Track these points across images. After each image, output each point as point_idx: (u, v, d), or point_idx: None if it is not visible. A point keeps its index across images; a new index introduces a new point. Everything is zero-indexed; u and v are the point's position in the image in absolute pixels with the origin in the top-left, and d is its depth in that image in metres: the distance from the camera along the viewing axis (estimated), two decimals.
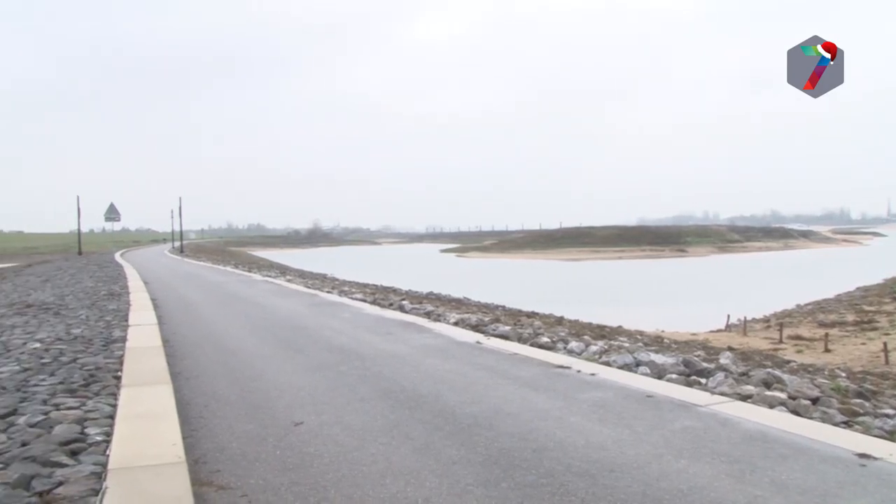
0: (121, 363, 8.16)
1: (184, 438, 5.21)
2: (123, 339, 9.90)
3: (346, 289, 21.91)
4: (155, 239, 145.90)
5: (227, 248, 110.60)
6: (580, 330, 14.37)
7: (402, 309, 15.33)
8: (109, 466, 4.56)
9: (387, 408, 6.42)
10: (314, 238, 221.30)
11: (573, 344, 10.42)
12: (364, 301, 16.89)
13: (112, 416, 5.83)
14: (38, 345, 9.60)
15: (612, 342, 11.53)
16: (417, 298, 19.79)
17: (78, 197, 64.84)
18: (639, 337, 14.29)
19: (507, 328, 11.80)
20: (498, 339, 10.48)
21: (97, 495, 4.10)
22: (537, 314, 19.55)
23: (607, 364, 8.73)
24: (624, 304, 35.15)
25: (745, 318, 26.86)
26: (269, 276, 27.69)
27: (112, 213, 67.02)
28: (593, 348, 10.04)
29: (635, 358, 8.97)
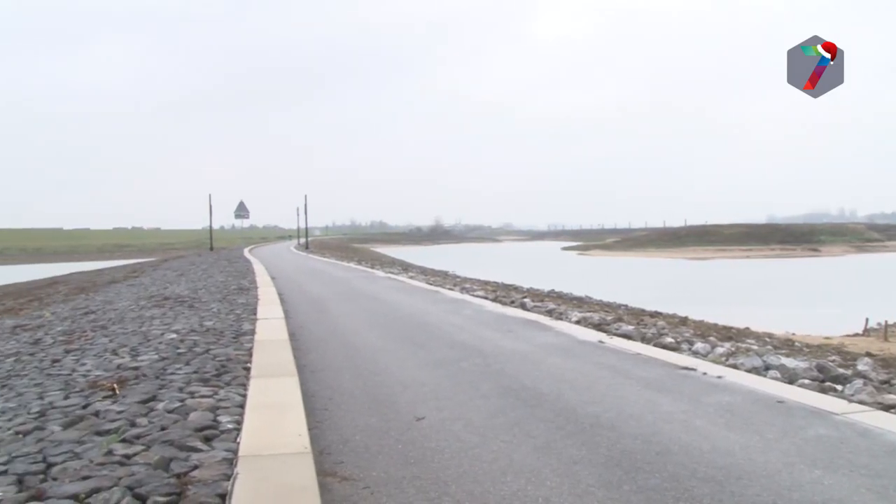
0: (250, 355, 8.44)
1: (309, 429, 5.33)
2: (252, 332, 10.23)
3: (467, 286, 22.00)
4: (281, 236, 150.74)
5: (351, 245, 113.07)
6: (705, 331, 13.95)
7: (523, 307, 15.27)
8: (240, 453, 4.72)
9: (508, 405, 6.41)
10: (436, 235, 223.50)
11: (698, 345, 10.12)
12: (485, 298, 16.92)
13: (242, 406, 6.04)
14: (174, 336, 10.07)
15: (740, 344, 11.13)
16: (539, 296, 19.68)
17: (210, 195, 67.73)
18: (767, 339, 13.75)
19: (630, 328, 11.58)
20: (620, 339, 10.29)
21: (229, 480, 4.25)
22: (661, 314, 19.11)
23: (734, 367, 8.43)
24: (751, 305, 33.90)
25: (885, 322, 25.40)
26: (392, 273, 28.11)
27: (241, 211, 69.46)
28: (719, 350, 9.72)
29: (764, 361, 8.63)
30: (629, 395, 6.71)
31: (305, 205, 74.98)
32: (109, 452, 4.91)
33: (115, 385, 6.94)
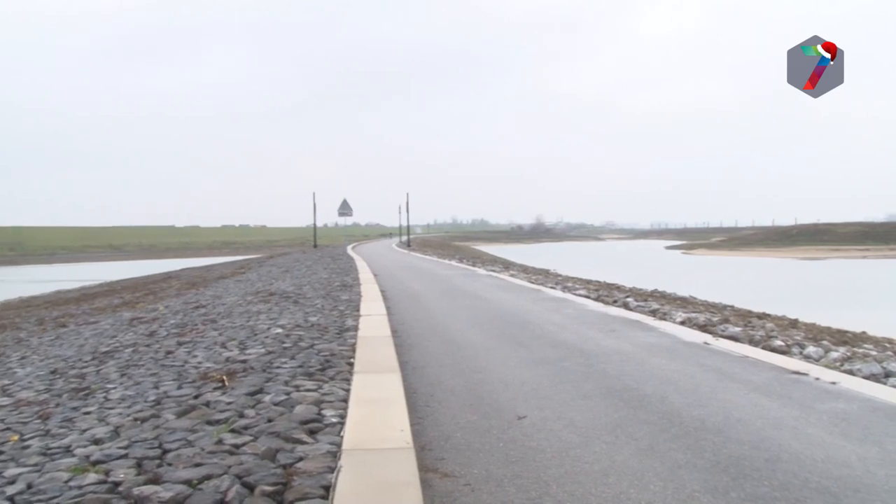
0: (353, 350, 8.59)
1: (411, 425, 5.38)
2: (355, 328, 10.40)
3: (569, 285, 21.79)
4: (383, 233, 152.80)
5: (452, 243, 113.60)
6: (817, 334, 13.39)
7: (626, 306, 15.02)
8: (343, 447, 4.80)
9: (610, 406, 6.31)
10: (537, 233, 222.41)
11: (810, 349, 9.73)
12: (587, 297, 16.72)
13: (345, 400, 6.14)
14: (279, 330, 10.33)
15: (856, 349, 10.63)
16: (642, 295, 19.30)
17: (314, 194, 69.42)
18: (888, 345, 13.11)
19: (738, 329, 11.23)
20: (727, 341, 9.99)
21: (332, 473, 4.33)
22: (769, 315, 18.44)
23: (850, 373, 8.06)
24: (868, 308, 32.41)
25: None
26: (493, 271, 28.09)
27: (345, 209, 70.67)
28: (833, 355, 9.32)
29: (884, 368, 8.23)
30: (736, 399, 6.51)
31: (407, 202, 75.75)
32: (220, 441, 5.09)
33: (225, 377, 7.19)
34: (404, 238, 79.47)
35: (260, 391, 6.55)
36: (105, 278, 52.41)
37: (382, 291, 17.20)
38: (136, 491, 4.24)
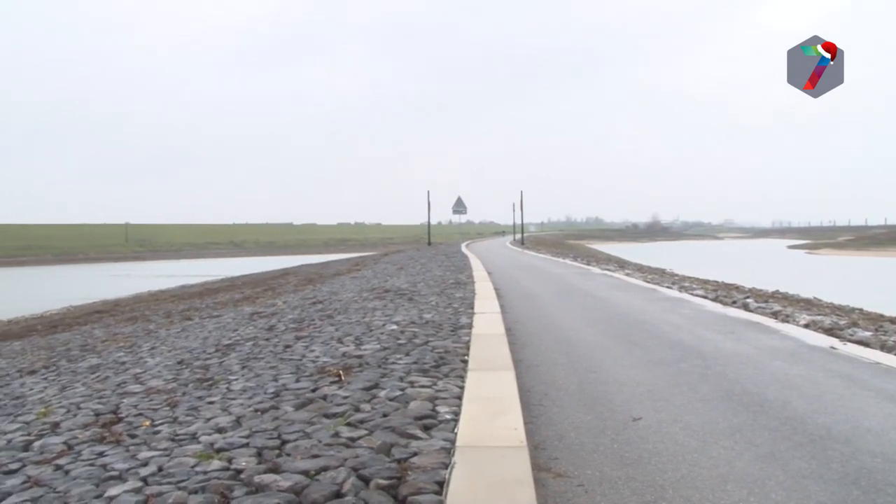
0: (467, 348, 8.62)
1: (524, 424, 5.36)
2: (469, 326, 10.44)
3: (685, 284, 21.28)
4: (496, 231, 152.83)
5: (566, 241, 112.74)
6: None
7: (745, 307, 14.55)
8: (457, 444, 4.83)
9: (729, 410, 6.12)
10: (653, 232, 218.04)
11: None
12: (705, 298, 16.28)
13: (459, 397, 6.18)
14: (394, 327, 10.48)
15: None
16: (763, 297, 18.65)
17: (428, 192, 70.06)
18: None
19: (868, 334, 10.71)
20: (855, 346, 9.52)
21: (446, 469, 4.37)
22: None
23: None
24: None
25: None
26: (608, 270, 27.71)
27: (459, 207, 71.12)
28: None
29: None
30: (866, 408, 6.20)
31: (521, 201, 75.66)
32: (336, 434, 5.21)
33: (341, 371, 7.35)
34: (518, 236, 79.35)
35: (375, 386, 6.67)
36: (226, 274, 54.54)
37: (496, 289, 17.22)
38: (256, 479, 4.40)
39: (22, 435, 6.46)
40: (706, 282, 24.55)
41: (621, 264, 38.05)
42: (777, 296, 20.03)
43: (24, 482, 4.93)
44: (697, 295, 17.03)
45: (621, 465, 4.74)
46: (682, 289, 19.03)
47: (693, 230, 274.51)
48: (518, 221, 79.70)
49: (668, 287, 19.39)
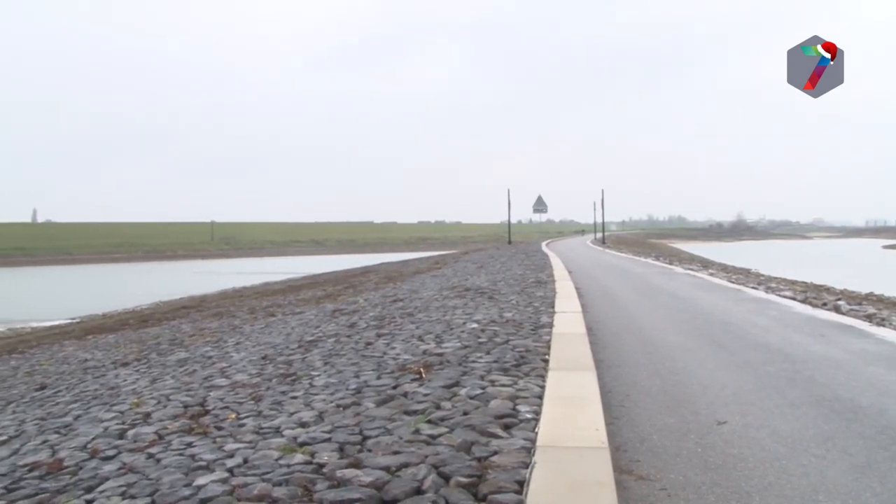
0: (548, 347, 8.56)
1: (606, 425, 5.28)
2: (550, 325, 10.37)
3: (772, 285, 20.71)
4: (577, 230, 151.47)
5: (647, 240, 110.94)
6: None
7: (836, 310, 14.07)
8: (537, 443, 4.79)
9: (819, 416, 5.92)
10: (737, 231, 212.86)
11: None
12: (793, 299, 15.81)
13: (540, 397, 6.13)
14: (475, 325, 10.49)
15: None
16: (855, 298, 18.01)
17: (508, 190, 69.88)
18: None
19: None
20: None
21: (527, 468, 4.35)
22: None
23: None
24: None
25: None
26: (691, 270, 27.20)
27: (540, 206, 70.76)
28: None
29: None
30: None
31: (602, 199, 74.87)
32: (417, 431, 5.24)
33: (422, 369, 7.39)
34: (598, 235, 78.56)
35: (456, 384, 6.68)
36: (308, 271, 55.47)
37: (577, 288, 17.07)
38: (338, 473, 4.46)
39: (117, 423, 6.73)
40: (794, 283, 23.85)
41: (705, 264, 37.31)
42: (871, 298, 19.30)
43: (120, 468, 5.16)
44: (785, 296, 16.56)
45: (705, 470, 4.64)
46: (768, 290, 18.53)
47: (780, 229, 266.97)
48: (599, 220, 78.90)
49: (753, 288, 18.92)
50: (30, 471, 5.48)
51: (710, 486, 4.36)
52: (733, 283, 20.68)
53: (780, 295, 16.82)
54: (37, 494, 4.80)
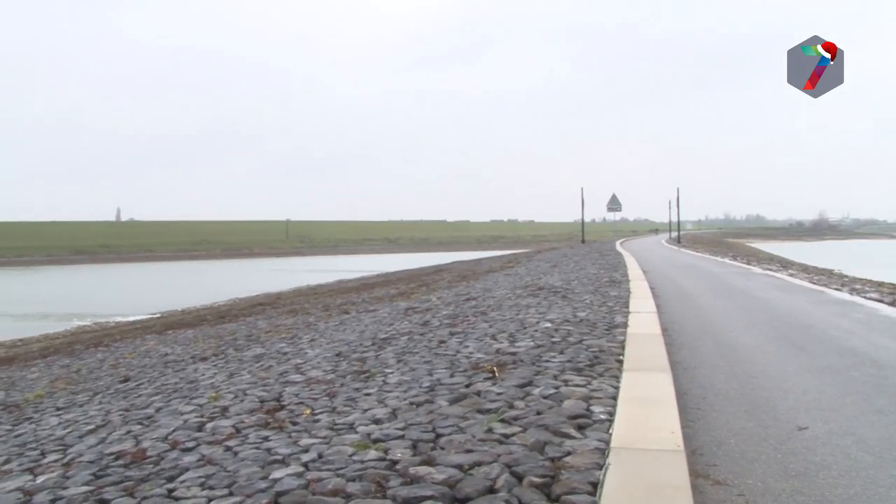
0: (622, 347, 8.46)
1: (682, 428, 5.19)
2: (624, 325, 10.24)
3: (857, 286, 20.04)
4: (651, 229, 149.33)
5: (724, 240, 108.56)
6: None
7: None
8: (611, 445, 4.74)
9: None
10: (818, 230, 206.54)
11: None
12: (880, 301, 15.25)
13: (614, 398, 6.07)
14: (548, 324, 10.43)
15: None
16: None
17: (582, 189, 69.43)
18: None
19: None
20: None
21: (600, 470, 4.30)
22: None
23: None
24: None
25: None
26: (769, 270, 26.52)
27: (614, 204, 70.04)
28: None
29: None
30: None
31: (678, 198, 73.56)
32: (490, 430, 5.24)
33: (495, 368, 7.38)
34: (673, 234, 77.29)
35: (529, 384, 6.66)
36: (381, 270, 56.02)
37: (652, 288, 16.83)
38: (411, 470, 4.49)
39: (196, 416, 6.90)
40: (881, 284, 23.01)
41: (784, 264, 36.31)
42: None
43: (199, 460, 5.30)
44: (871, 298, 16.00)
45: (786, 477, 4.51)
46: (852, 291, 17.93)
47: (866, 228, 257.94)
48: (674, 219, 77.60)
49: (836, 289, 18.34)
50: (115, 459, 5.68)
51: (790, 494, 4.24)
52: (815, 283, 20.10)
53: (865, 297, 16.26)
54: (122, 482, 4.98)
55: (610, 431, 5.08)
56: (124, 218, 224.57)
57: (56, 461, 6.06)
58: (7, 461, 6.49)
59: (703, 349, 9.12)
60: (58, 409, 9.89)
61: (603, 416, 5.50)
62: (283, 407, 6.90)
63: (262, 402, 7.23)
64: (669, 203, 77.61)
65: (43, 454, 6.51)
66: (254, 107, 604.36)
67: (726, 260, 34.53)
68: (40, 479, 5.46)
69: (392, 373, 7.93)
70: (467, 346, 9.12)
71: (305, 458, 5.00)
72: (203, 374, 10.39)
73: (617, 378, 6.83)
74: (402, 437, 5.30)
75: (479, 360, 8.03)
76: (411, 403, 6.33)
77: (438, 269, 42.78)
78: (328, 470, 4.67)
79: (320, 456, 5.02)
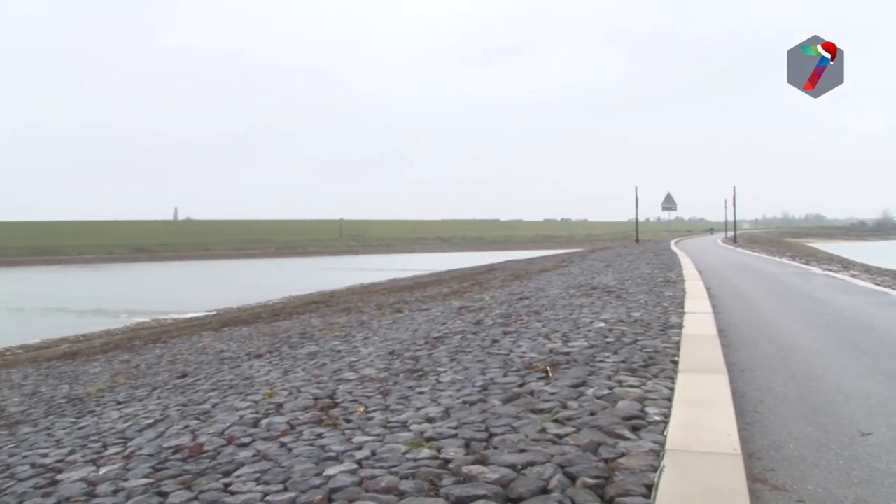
0: (677, 348, 8.34)
1: (738, 431, 5.10)
2: (679, 326, 10.11)
3: None
4: (706, 228, 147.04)
5: (782, 239, 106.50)
6: None
7: None
8: (666, 447, 4.68)
9: None
10: (883, 229, 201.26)
11: None
12: None
13: (669, 399, 5.99)
14: (602, 324, 10.35)
15: None
16: None
17: (636, 188, 68.74)
18: None
19: None
20: None
21: (655, 472, 4.25)
22: None
23: None
24: None
25: None
26: (829, 270, 25.92)
27: (669, 203, 69.22)
28: None
29: None
30: None
31: (734, 196, 72.33)
32: (543, 430, 5.22)
33: (548, 368, 7.35)
34: (730, 234, 76.07)
35: (583, 384, 6.61)
36: (434, 269, 56.17)
37: (707, 288, 16.58)
38: (464, 469, 4.49)
39: (251, 413, 7.01)
40: None
41: (845, 264, 35.46)
42: None
43: (254, 455, 5.40)
44: None
45: (848, 484, 4.39)
46: None
47: None
48: (730, 218, 76.34)
49: None
50: (174, 453, 5.81)
51: (853, 502, 4.13)
52: (878, 285, 19.57)
53: None
54: (180, 475, 5.10)
55: (665, 433, 5.02)
56: (181, 217, 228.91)
57: (117, 454, 6.21)
58: (72, 452, 6.66)
59: (761, 351, 8.96)
60: (118, 403, 10.12)
61: (658, 418, 5.43)
62: (336, 404, 6.96)
63: (316, 399, 7.30)
64: (725, 202, 76.14)
65: (105, 446, 6.67)
66: (305, 107, 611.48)
67: (784, 260, 33.87)
68: (103, 471, 5.61)
69: (445, 372, 7.94)
70: (520, 346, 9.09)
71: (359, 455, 5.05)
72: (258, 371, 10.53)
73: (672, 379, 6.74)
74: (454, 435, 5.31)
75: (533, 359, 8.00)
76: (464, 402, 6.34)
77: (491, 269, 42.74)
78: (381, 468, 4.70)
79: (373, 454, 5.06)
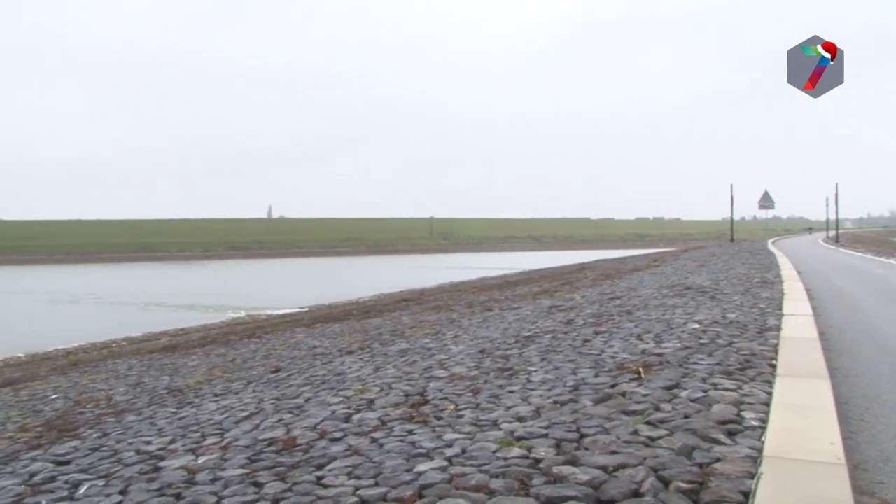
0: (775, 351, 8.08)
1: (842, 439, 4.89)
2: (777, 328, 9.79)
3: None
4: (805, 227, 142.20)
5: (889, 239, 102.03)
6: None
7: None
8: (764, 453, 4.53)
9: None
10: None
11: None
12: None
13: (766, 404, 5.80)
14: (696, 325, 10.11)
15: None
16: None
17: (731, 185, 66.93)
18: None
19: None
20: None
21: (752, 479, 4.12)
22: None
23: None
24: None
25: None
26: None
27: (766, 201, 67.31)
28: None
29: None
30: None
31: (836, 194, 69.71)
32: (635, 432, 5.13)
33: (641, 369, 7.22)
34: (831, 233, 73.36)
35: (676, 386, 6.47)
36: (524, 267, 55.98)
37: (807, 290, 16.02)
38: (555, 469, 4.45)
39: (343, 408, 7.10)
40: None
41: None
42: None
43: (346, 450, 5.47)
44: None
45: None
46: None
47: None
48: (831, 217, 73.61)
49: None
50: (268, 445, 5.95)
51: None
52: None
53: None
54: (275, 467, 5.23)
55: (762, 439, 4.86)
56: (275, 215, 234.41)
57: (215, 444, 6.39)
58: (173, 441, 6.88)
59: (866, 356, 8.60)
60: (215, 395, 10.40)
61: (755, 423, 5.27)
62: (427, 401, 6.99)
63: (406, 396, 7.36)
64: (826, 200, 73.39)
65: (203, 437, 6.87)
66: (394, 107, 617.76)
67: (891, 261, 32.45)
68: (201, 460, 5.79)
69: (536, 371, 7.88)
70: (612, 346, 8.96)
71: (449, 452, 5.06)
72: (350, 367, 10.67)
73: (770, 383, 6.53)
74: (545, 435, 5.27)
75: (625, 360, 7.88)
76: (555, 402, 6.28)
77: (582, 268, 42.32)
78: (471, 465, 4.70)
79: (464, 451, 5.07)
